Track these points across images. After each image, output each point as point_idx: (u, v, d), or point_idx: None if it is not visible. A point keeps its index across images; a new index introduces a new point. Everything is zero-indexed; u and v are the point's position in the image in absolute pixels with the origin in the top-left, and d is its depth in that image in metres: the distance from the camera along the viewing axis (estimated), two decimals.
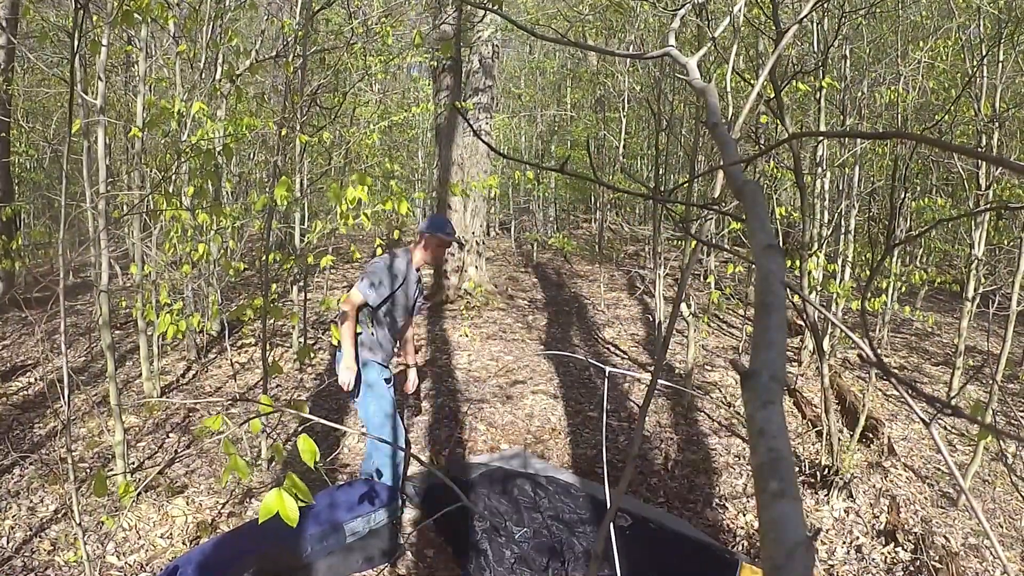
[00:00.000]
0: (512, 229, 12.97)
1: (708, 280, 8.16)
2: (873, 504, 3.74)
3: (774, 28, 3.23)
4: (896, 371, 6.00)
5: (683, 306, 5.24)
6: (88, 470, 3.70)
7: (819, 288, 5.29)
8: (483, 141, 0.79)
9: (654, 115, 5.77)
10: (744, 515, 3.67)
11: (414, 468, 3.87)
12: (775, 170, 5.83)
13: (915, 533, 3.43)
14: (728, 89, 4.02)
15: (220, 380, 5.23)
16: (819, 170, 5.97)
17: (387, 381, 3.38)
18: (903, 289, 6.62)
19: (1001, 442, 4.18)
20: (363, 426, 3.54)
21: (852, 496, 3.76)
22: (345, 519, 2.95)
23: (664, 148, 7.82)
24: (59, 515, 3.29)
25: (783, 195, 7.12)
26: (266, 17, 7.37)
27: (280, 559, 2.80)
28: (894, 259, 6.26)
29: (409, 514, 3.48)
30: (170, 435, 4.22)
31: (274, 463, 3.88)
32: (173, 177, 4.40)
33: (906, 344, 7.07)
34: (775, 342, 0.45)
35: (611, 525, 2.45)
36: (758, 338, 0.45)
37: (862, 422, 4.06)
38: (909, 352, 6.79)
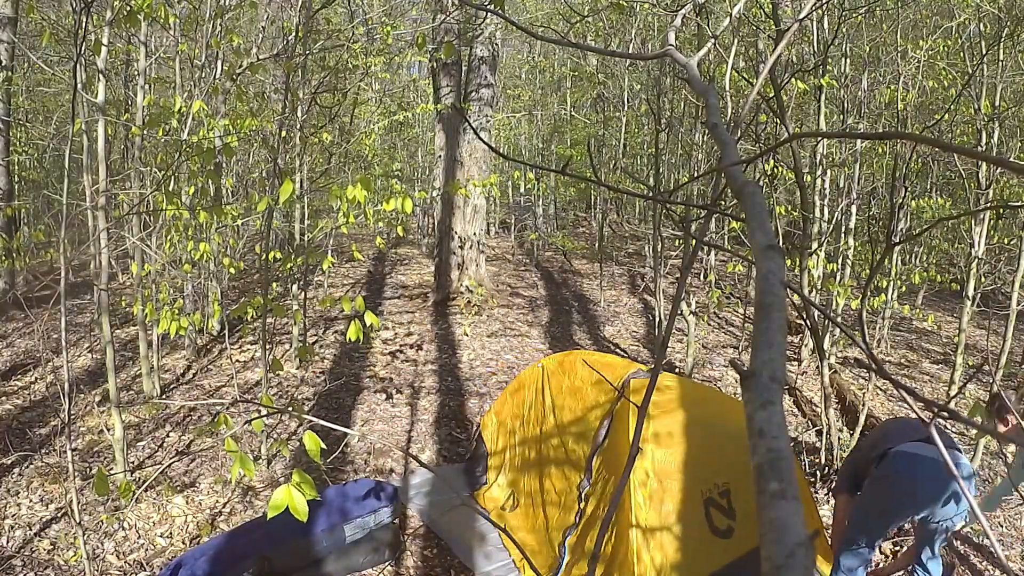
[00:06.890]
0: (513, 227, 12.96)
1: (708, 279, 8.17)
2: None
3: (774, 27, 3.23)
4: (895, 369, 6.00)
5: (683, 304, 5.24)
6: (88, 469, 3.71)
7: (819, 287, 5.29)
8: (483, 141, 0.79)
9: (653, 114, 5.78)
10: None
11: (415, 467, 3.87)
12: (775, 169, 5.83)
13: None
14: (727, 89, 4.02)
15: (220, 379, 5.24)
16: (819, 169, 5.97)
17: None
18: (903, 288, 6.61)
19: (999, 442, 4.18)
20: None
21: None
22: (350, 517, 2.96)
23: (664, 147, 7.81)
24: (59, 514, 3.30)
25: (782, 194, 7.12)
26: (266, 16, 7.37)
27: (285, 556, 2.81)
28: (894, 258, 6.26)
29: (412, 512, 3.49)
30: (170, 434, 4.23)
31: (274, 463, 3.88)
32: (174, 175, 4.40)
33: (905, 342, 7.07)
34: (775, 342, 0.45)
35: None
36: (758, 338, 0.46)
37: (862, 420, 4.06)
38: (908, 350, 6.79)
